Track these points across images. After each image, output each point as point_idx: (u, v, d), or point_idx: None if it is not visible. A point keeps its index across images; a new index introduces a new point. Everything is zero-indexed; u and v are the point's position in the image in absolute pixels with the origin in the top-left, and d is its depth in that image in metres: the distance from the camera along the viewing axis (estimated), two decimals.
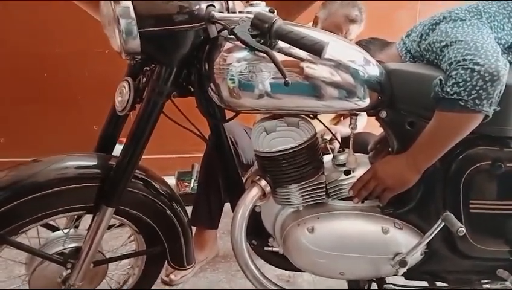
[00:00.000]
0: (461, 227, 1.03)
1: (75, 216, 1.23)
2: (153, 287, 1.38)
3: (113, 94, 1.14)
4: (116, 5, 0.94)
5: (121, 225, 1.24)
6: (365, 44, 1.36)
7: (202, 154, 1.75)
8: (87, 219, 1.16)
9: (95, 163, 1.13)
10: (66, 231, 1.19)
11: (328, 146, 1.53)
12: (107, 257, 1.23)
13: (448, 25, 1.12)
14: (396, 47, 1.29)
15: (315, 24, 1.80)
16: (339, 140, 1.53)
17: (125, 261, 1.36)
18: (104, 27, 1.03)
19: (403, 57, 1.27)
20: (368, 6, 1.76)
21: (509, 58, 1.15)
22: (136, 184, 1.15)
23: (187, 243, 1.26)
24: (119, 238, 1.50)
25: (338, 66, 1.04)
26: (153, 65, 1.08)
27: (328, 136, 1.59)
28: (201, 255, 1.79)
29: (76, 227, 1.25)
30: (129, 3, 0.94)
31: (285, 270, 1.31)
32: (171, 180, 2.23)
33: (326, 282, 1.68)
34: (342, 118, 1.90)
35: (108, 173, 1.09)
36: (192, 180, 2.31)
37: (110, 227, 1.20)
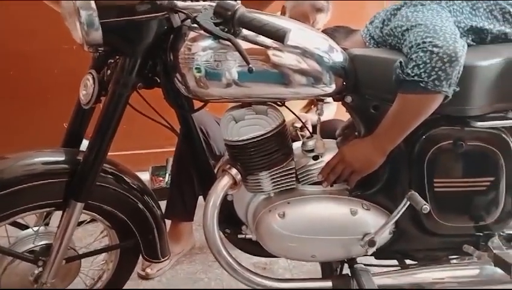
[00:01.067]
0: (425, 205, 1.06)
1: (45, 214, 1.21)
2: (129, 282, 1.37)
3: None
4: None
5: (93, 220, 1.23)
6: (331, 32, 1.37)
7: None
8: (57, 217, 1.15)
9: (62, 158, 1.11)
10: (35, 228, 1.17)
11: (299, 133, 1.55)
12: (80, 253, 1.22)
13: (409, 9, 1.15)
14: (361, 34, 1.31)
15: (283, 14, 1.81)
16: (309, 128, 1.54)
17: (100, 257, 1.35)
18: (65, 20, 1.02)
19: (367, 44, 1.28)
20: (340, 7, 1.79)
21: (468, 41, 1.18)
22: (106, 179, 1.14)
23: (161, 235, 1.25)
24: (94, 235, 1.48)
25: (303, 53, 1.05)
26: (117, 57, 1.07)
27: (298, 124, 1.61)
28: (177, 247, 1.79)
29: (47, 225, 1.23)
30: None
31: (259, 256, 1.32)
32: (146, 176, 2.21)
33: (302, 267, 1.72)
34: (312, 106, 1.92)
35: (76, 168, 1.08)
36: (167, 175, 2.28)
37: (81, 223, 1.19)
